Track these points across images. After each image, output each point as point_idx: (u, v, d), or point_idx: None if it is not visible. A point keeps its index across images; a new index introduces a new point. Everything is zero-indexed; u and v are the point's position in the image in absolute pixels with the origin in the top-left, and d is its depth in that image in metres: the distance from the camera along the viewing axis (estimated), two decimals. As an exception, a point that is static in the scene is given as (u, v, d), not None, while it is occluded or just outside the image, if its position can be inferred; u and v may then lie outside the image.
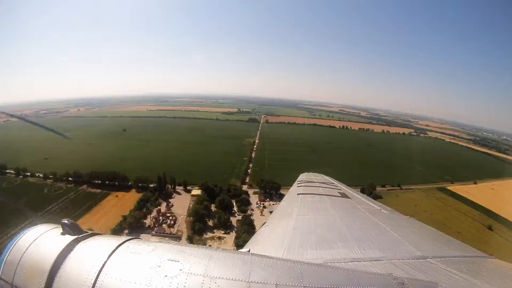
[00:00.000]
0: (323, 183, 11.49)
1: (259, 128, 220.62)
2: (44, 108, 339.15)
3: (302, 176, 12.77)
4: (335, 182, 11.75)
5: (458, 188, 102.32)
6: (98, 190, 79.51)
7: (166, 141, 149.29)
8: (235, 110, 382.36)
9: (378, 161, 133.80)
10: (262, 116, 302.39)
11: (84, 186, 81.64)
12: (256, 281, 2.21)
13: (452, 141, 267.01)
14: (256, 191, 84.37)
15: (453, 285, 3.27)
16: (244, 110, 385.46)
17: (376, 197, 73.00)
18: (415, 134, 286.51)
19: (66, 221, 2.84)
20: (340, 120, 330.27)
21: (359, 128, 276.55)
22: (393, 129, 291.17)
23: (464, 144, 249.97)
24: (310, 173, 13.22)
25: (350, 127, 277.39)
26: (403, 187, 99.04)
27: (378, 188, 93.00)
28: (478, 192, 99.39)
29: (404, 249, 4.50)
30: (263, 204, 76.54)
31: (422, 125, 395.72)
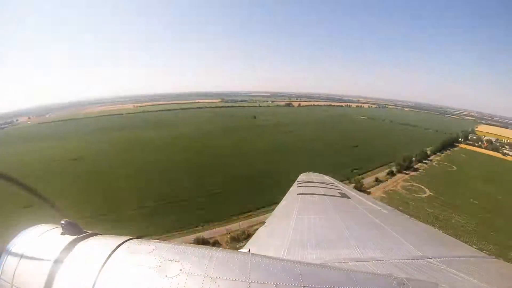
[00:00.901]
0: (323, 183, 11.49)
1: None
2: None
3: (302, 176, 12.74)
4: (335, 182, 11.81)
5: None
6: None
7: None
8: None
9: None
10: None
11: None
12: (256, 282, 2.18)
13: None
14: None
15: (453, 285, 3.30)
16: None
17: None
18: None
19: (66, 221, 2.81)
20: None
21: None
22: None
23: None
24: (310, 173, 13.27)
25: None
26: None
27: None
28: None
29: (404, 249, 4.50)
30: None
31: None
